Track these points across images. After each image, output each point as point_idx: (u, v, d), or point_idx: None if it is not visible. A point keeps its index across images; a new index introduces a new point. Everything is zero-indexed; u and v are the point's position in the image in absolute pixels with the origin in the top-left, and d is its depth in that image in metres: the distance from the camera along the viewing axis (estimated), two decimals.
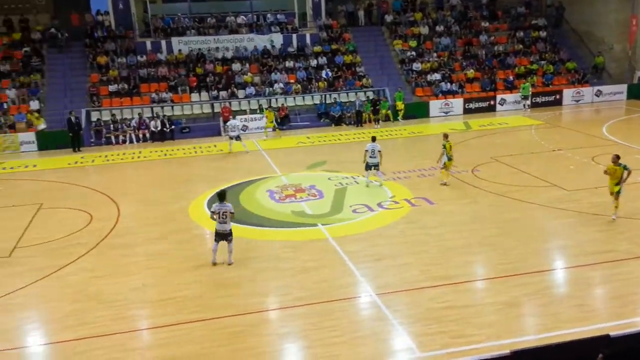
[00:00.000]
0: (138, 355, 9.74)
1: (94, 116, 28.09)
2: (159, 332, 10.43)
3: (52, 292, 12.17)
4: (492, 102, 32.02)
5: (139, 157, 24.77)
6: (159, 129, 27.45)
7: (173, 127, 27.84)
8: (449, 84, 32.65)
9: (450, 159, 18.15)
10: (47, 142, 26.17)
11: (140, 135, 27.40)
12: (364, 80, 32.00)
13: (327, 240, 14.34)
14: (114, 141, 27.17)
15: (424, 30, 35.70)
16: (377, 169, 18.38)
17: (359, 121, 29.47)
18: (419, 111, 30.99)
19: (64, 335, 10.39)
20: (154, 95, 29.42)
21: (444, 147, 18.04)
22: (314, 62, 32.80)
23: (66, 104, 28.00)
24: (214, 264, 13.01)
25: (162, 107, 28.85)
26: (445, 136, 18.35)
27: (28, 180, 21.19)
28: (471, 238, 14.08)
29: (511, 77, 33.28)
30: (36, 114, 27.23)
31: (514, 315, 10.51)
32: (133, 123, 27.50)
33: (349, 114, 29.96)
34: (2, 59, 29.85)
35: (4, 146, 25.77)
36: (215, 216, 12.85)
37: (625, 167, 14.28)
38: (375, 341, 9.88)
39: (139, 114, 27.99)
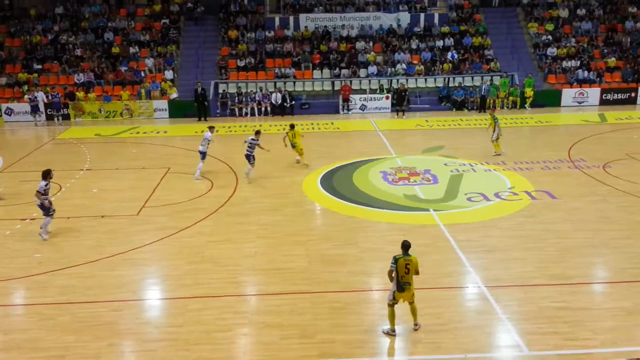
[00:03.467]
0: (246, 319, 10.13)
1: (221, 88, 29.39)
2: (266, 299, 10.78)
3: (172, 251, 12.98)
4: (633, 94, 29.36)
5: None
6: (279, 103, 28.17)
7: (293, 102, 28.45)
8: (586, 72, 30.31)
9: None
10: (177, 111, 27.82)
11: (262, 109, 28.28)
12: (492, 64, 30.60)
13: (438, 226, 13.98)
14: (237, 113, 28.29)
15: (564, 13, 33.32)
16: None
17: (482, 107, 28.30)
18: (549, 99, 29.14)
19: (180, 292, 11.06)
20: (277, 70, 30.17)
21: (495, 119, 19.48)
22: (440, 43, 31.86)
23: (197, 75, 29.53)
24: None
25: (285, 83, 29.53)
26: (493, 110, 20.90)
27: (158, 145, 22.69)
28: (595, 238, 13.05)
29: None
30: (169, 83, 28.99)
31: (636, 323, 9.64)
32: (256, 97, 28.42)
33: (472, 99, 28.86)
34: (142, 29, 32.00)
35: (139, 112, 27.75)
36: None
37: None
38: (480, 334, 9.52)
39: (261, 87, 28.87)
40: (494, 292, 10.73)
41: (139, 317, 10.40)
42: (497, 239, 13.22)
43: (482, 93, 28.38)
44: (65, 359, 9.01)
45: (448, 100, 29.18)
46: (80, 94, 28.06)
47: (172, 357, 9.08)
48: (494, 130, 19.81)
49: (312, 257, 12.47)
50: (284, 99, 28.24)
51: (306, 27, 32.45)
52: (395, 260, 9.26)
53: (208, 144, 18.03)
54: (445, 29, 32.46)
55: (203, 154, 17.95)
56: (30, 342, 9.46)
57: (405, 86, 28.28)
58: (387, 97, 28.76)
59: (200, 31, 32.53)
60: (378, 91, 29.32)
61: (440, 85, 30.11)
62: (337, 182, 17.51)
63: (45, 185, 13.26)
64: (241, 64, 30.46)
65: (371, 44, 31.93)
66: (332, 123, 26.50)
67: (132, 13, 32.95)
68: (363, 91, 29.58)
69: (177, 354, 9.13)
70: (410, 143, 21.64)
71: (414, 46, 31.76)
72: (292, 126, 19.85)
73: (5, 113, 27.17)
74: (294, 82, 29.85)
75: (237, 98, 28.55)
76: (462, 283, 11.37)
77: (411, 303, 9.58)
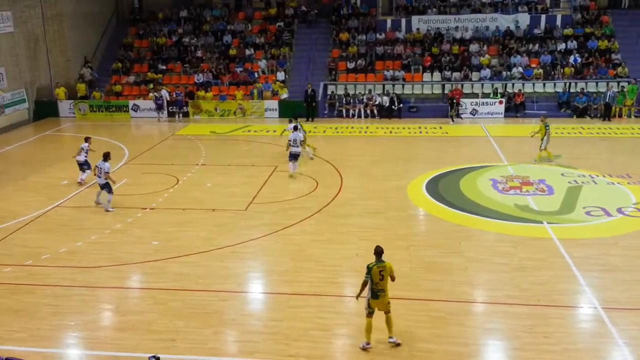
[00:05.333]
0: (344, 320, 10.16)
1: (330, 89, 29.73)
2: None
3: (276, 248, 13.32)
4: None
5: (365, 132, 25.62)
6: (387, 105, 28.02)
7: (401, 105, 28.16)
8: None
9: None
10: (287, 111, 28.49)
11: (369, 111, 28.28)
12: (619, 69, 28.46)
13: (552, 240, 13.21)
14: (344, 114, 28.49)
15: None
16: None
17: (607, 115, 26.40)
18: None
19: (282, 288, 11.32)
20: (387, 72, 30.03)
21: (546, 126, 19.15)
22: (561, 46, 30.15)
23: (308, 77, 30.11)
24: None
25: (393, 85, 29.31)
26: (544, 118, 19.97)
27: (267, 143, 23.38)
28: None
29: None
30: (280, 84, 29.79)
31: None
32: (364, 99, 28.46)
33: (595, 106, 27.02)
34: (258, 32, 33.15)
35: (251, 111, 28.77)
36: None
37: None
38: (593, 357, 8.90)
39: (369, 90, 28.85)
40: (611, 315, 9.97)
41: (243, 308, 10.77)
42: (617, 257, 12.26)
43: (607, 100, 26.46)
44: (175, 342, 9.53)
45: (568, 107, 27.52)
46: (201, 93, 29.60)
47: (272, 350, 9.30)
48: (542, 138, 19.42)
49: (414, 263, 12.26)
50: (392, 101, 28.05)
51: (418, 29, 32.00)
52: (369, 269, 8.98)
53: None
54: (569, 31, 30.64)
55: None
56: (144, 324, 10.10)
57: (459, 89, 27.58)
58: (500, 102, 27.67)
59: (313, 34, 33.13)
60: (491, 95, 28.28)
61: (560, 90, 28.45)
62: (443, 188, 17.10)
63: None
64: (351, 65, 30.65)
65: (486, 46, 30.87)
66: (441, 127, 25.94)
67: (250, 16, 34.24)
68: (475, 95, 28.67)
69: (277, 348, 9.35)
70: (524, 150, 20.65)
71: (532, 48, 30.30)
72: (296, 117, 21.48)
73: (132, 109, 29.29)
74: (403, 85, 29.53)
75: (344, 99, 28.76)
76: (577, 302, 10.68)
77: (387, 312, 9.21)
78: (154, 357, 6.86)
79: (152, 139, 24.20)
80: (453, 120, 27.00)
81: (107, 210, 15.55)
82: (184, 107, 28.83)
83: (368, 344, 9.20)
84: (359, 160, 20.64)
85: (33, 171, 19.27)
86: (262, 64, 30.95)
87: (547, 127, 19.43)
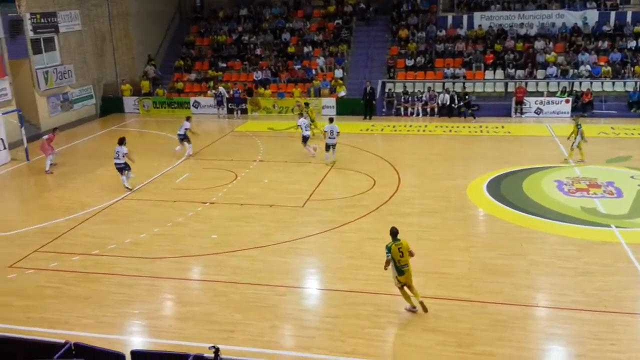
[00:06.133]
0: (401, 320, 10.08)
1: (388, 87, 29.51)
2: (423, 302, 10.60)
3: (333, 244, 13.35)
4: None
5: (424, 130, 25.29)
6: (447, 104, 27.56)
7: (461, 103, 27.62)
8: None
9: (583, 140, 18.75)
10: (344, 108, 28.50)
11: (428, 110, 27.90)
12: None
13: (620, 245, 12.67)
14: (402, 112, 28.21)
15: None
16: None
17: None
18: None
19: (338, 285, 11.33)
20: (447, 70, 29.55)
21: (578, 126, 18.80)
22: (632, 44, 28.82)
23: (366, 74, 29.99)
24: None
25: (454, 83, 28.81)
26: (577, 117, 19.93)
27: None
28: None
29: None
30: (339, 82, 29.79)
31: None
32: (423, 97, 28.09)
33: None
34: (316, 29, 33.28)
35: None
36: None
37: None
38: None
39: (429, 87, 28.46)
40: None
41: (299, 303, 10.85)
42: None
43: None
44: (234, 334, 9.71)
45: (639, 107, 26.30)
46: (259, 90, 30.02)
47: (328, 346, 9.33)
48: (575, 137, 19.07)
49: (474, 264, 12.01)
50: (452, 99, 27.58)
51: (480, 25, 31.31)
52: (389, 248, 9.88)
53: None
54: None
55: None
56: (205, 315, 10.33)
57: (523, 87, 26.99)
58: (567, 101, 26.74)
59: (371, 31, 32.97)
60: (558, 94, 27.35)
61: (630, 89, 27.21)
62: (505, 189, 16.68)
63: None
64: (410, 63, 30.32)
65: (551, 43, 29.88)
66: (503, 127, 25.30)
67: (309, 14, 34.40)
68: (540, 93, 27.80)
69: (333, 344, 9.37)
70: (592, 152, 19.86)
71: (601, 46, 29.11)
72: (307, 104, 24.09)
73: (193, 105, 30.00)
74: (464, 83, 28.99)
75: (403, 97, 28.48)
76: None
77: (410, 286, 10.04)
78: (213, 347, 7.01)
79: (212, 135, 24.71)
80: (468, 117, 26.88)
81: (126, 186, 17.32)
82: (243, 104, 29.29)
83: (414, 307, 10.13)
84: (417, 159, 20.41)
85: (100, 165, 20.05)
86: (320, 61, 31.05)
87: (579, 127, 18.98)
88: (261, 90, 29.98)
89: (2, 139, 20.75)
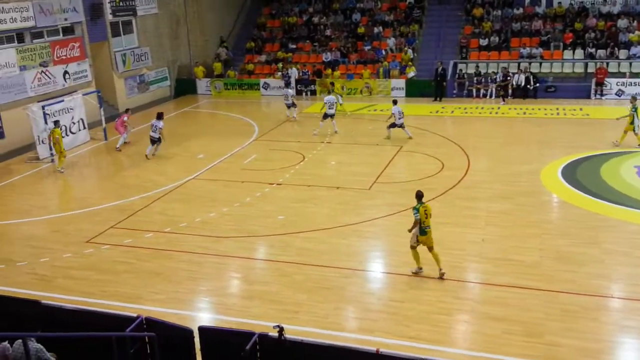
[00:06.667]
0: (467, 306, 9.89)
1: (460, 68, 28.69)
2: (490, 290, 10.36)
3: (398, 228, 13.15)
4: None
5: (496, 112, 24.49)
6: (522, 85, 26.51)
7: (537, 84, 26.49)
8: None
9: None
10: (414, 90, 27.99)
11: (503, 91, 26.90)
12: None
13: None
14: (474, 94, 27.40)
15: None
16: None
17: None
18: None
19: (403, 270, 11.21)
20: (522, 50, 28.37)
21: (634, 109, 17.88)
22: None
23: (437, 55, 29.28)
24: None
25: (530, 63, 27.63)
26: (633, 99, 18.37)
27: None
28: None
29: None
30: (409, 62, 29.25)
31: None
32: (497, 77, 27.14)
33: None
34: (387, 9, 32.73)
35: (378, 90, 28.60)
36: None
37: None
38: None
39: (503, 68, 27.45)
40: None
41: (364, 286, 10.85)
42: None
43: None
44: (298, 314, 9.84)
45: None
46: (328, 72, 29.96)
47: (392, 330, 9.29)
48: (632, 121, 18.09)
49: (546, 252, 11.59)
50: (527, 80, 26.48)
51: (560, 3, 29.79)
52: (417, 210, 10.64)
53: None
54: None
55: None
56: (270, 294, 10.52)
57: (604, 68, 25.55)
58: None
59: (444, 10, 32.07)
60: None
61: None
62: (581, 174, 15.93)
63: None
64: (484, 43, 29.32)
65: (636, 22, 28.02)
66: (581, 109, 24.10)
67: None
68: (622, 74, 26.22)
69: (397, 329, 9.32)
70: None
71: None
72: (332, 84, 26.16)
73: (262, 87, 30.37)
74: (540, 63, 27.73)
75: (475, 79, 27.63)
76: None
77: (431, 249, 10.78)
78: (278, 326, 7.11)
79: (280, 117, 24.94)
80: (504, 101, 25.97)
81: (147, 155, 19.10)
82: (312, 86, 29.35)
83: (420, 269, 10.94)
84: (489, 142, 19.80)
85: (173, 144, 20.70)
86: (391, 42, 30.57)
87: (634, 110, 18.12)
88: (328, 71, 29.88)
89: (82, 119, 21.82)
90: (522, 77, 26.56)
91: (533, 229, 12.68)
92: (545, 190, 15.09)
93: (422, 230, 10.71)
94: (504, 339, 8.90)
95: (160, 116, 19.29)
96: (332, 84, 26.58)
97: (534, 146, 18.94)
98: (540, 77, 27.04)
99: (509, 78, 26.27)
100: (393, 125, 20.22)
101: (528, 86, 26.40)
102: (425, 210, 10.66)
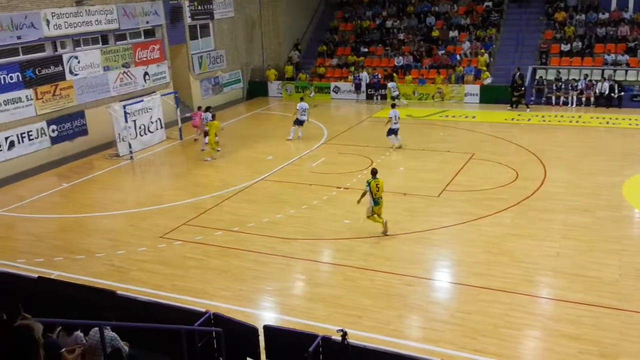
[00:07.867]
0: (538, 322, 9.48)
1: (539, 74, 27.66)
2: (563, 306, 9.88)
3: (468, 238, 12.85)
4: None
5: (577, 121, 23.42)
6: (606, 93, 25.22)
7: (622, 93, 25.12)
8: None
9: None
10: (488, 96, 27.21)
11: (584, 99, 25.73)
12: None
13: None
14: (554, 102, 26.31)
15: None
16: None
17: None
18: None
19: (472, 280, 10.90)
20: (607, 56, 27.01)
21: None
22: None
23: (515, 60, 28.36)
24: None
25: (615, 71, 26.26)
26: None
27: (465, 130, 22.58)
28: None
29: None
30: (484, 68, 28.48)
31: None
32: (580, 85, 25.95)
33: None
34: (464, 12, 32.03)
35: (450, 95, 28.01)
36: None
37: None
38: None
39: (585, 75, 26.23)
40: None
41: (428, 295, 10.62)
42: None
43: None
44: (361, 319, 9.75)
45: None
46: (395, 75, 29.64)
47: (458, 342, 9.03)
48: None
49: (626, 269, 10.93)
50: (611, 88, 25.17)
51: None
52: (368, 183, 12.65)
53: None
54: None
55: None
56: (334, 297, 10.49)
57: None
58: None
59: (524, 14, 31.04)
60: None
61: None
62: None
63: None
64: (565, 48, 28.13)
65: None
66: None
67: None
68: None
69: (463, 340, 9.05)
70: None
71: None
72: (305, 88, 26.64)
73: (333, 91, 30.47)
74: (626, 71, 26.30)
75: (554, 85, 26.53)
76: None
77: (380, 215, 12.78)
78: (341, 330, 7.05)
79: (350, 120, 24.91)
80: (516, 107, 25.25)
81: (203, 150, 20.41)
82: (382, 90, 29.15)
83: (385, 229, 12.85)
84: (567, 152, 18.96)
85: (244, 146, 21.10)
86: (466, 46, 29.89)
87: None
88: (395, 75, 29.43)
89: (159, 118, 22.64)
90: (606, 85, 25.28)
91: (612, 244, 12.00)
92: (627, 205, 14.27)
93: (375, 201, 12.65)
94: (578, 358, 8.46)
95: (207, 109, 21.21)
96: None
97: (617, 158, 17.96)
98: (626, 85, 25.64)
99: (521, 81, 25.43)
100: (391, 131, 19.74)
101: (612, 94, 25.10)
102: (377, 184, 12.58)
